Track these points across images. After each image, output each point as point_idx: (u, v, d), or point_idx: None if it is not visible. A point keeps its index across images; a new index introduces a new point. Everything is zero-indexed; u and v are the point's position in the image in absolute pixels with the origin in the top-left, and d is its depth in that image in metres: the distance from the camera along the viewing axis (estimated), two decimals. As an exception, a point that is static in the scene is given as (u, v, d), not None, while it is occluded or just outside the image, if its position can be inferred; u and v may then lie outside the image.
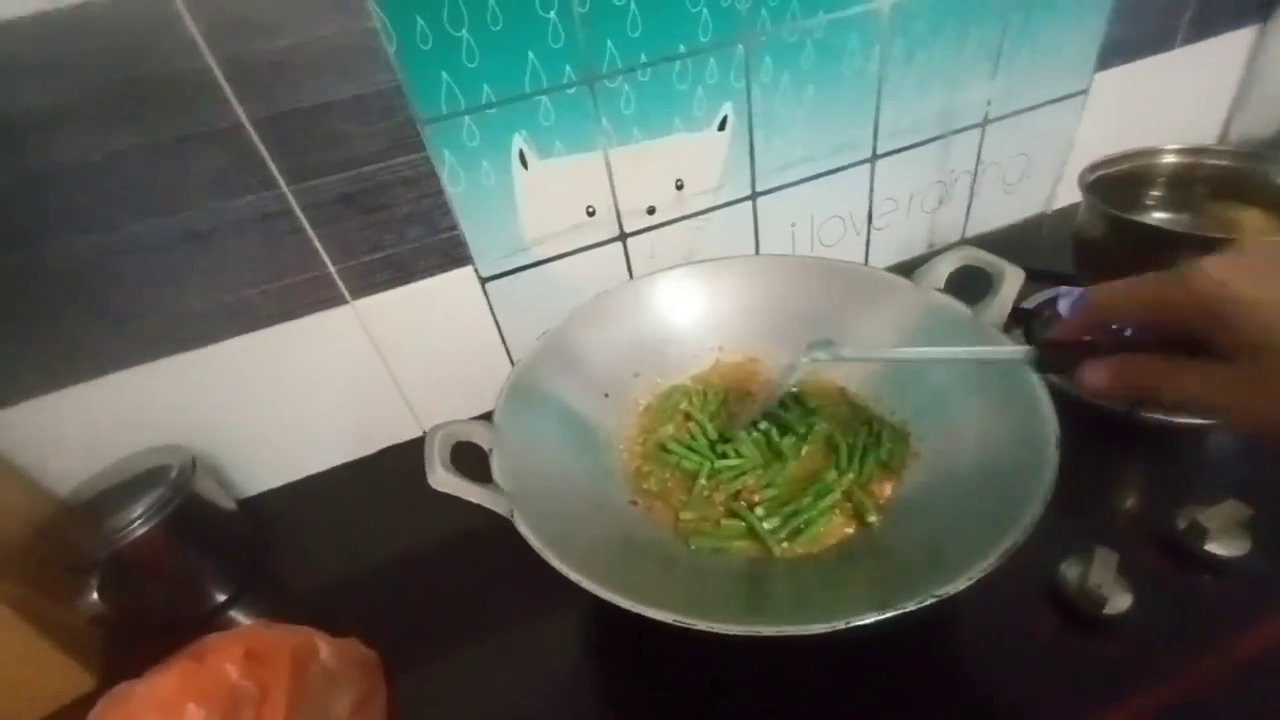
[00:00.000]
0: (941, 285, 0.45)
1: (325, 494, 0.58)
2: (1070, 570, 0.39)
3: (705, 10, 0.49)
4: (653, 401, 0.49)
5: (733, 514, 0.39)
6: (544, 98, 0.49)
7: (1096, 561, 0.38)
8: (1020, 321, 0.57)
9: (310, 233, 0.48)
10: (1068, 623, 0.38)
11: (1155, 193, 0.53)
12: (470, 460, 0.37)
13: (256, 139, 0.43)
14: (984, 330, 0.41)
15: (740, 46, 0.52)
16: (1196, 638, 0.36)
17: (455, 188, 0.50)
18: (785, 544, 0.37)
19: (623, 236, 0.58)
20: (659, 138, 0.54)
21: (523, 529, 0.32)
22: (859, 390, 0.47)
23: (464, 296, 0.55)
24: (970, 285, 0.44)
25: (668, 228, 0.59)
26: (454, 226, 0.52)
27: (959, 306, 0.43)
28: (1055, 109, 0.68)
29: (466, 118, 0.47)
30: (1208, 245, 0.43)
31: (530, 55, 0.47)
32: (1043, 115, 0.68)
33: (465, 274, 0.54)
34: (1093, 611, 0.37)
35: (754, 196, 0.61)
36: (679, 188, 0.58)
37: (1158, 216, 0.53)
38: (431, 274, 0.53)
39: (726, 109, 0.55)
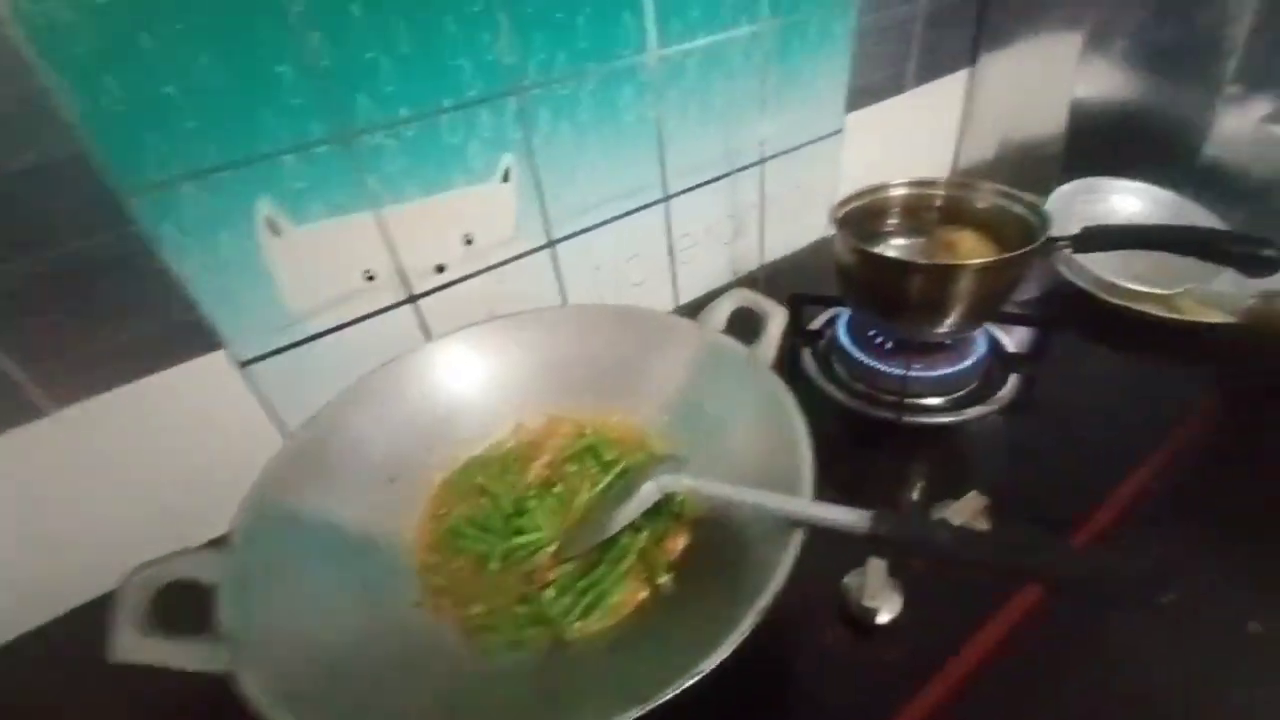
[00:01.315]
0: (724, 325, 0.47)
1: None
2: (852, 582, 0.42)
3: (467, 64, 0.47)
4: (450, 477, 0.45)
5: (524, 599, 0.37)
6: (288, 157, 0.43)
7: (869, 571, 0.41)
8: (809, 341, 0.62)
9: (-21, 334, 0.38)
10: (855, 634, 0.40)
11: (893, 221, 0.61)
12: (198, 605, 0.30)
13: None
14: (759, 367, 0.43)
15: (512, 99, 0.51)
16: (960, 628, 0.41)
17: (184, 265, 0.42)
18: (579, 623, 0.36)
19: (413, 299, 0.54)
20: (438, 193, 0.51)
21: (247, 688, 0.26)
22: (658, 435, 0.47)
23: (218, 386, 0.47)
24: (751, 322, 0.47)
25: (462, 285, 0.56)
26: (192, 308, 0.44)
27: (736, 346, 0.45)
28: (819, 147, 0.75)
29: (187, 184, 0.40)
30: (932, 270, 0.50)
31: (266, 113, 0.41)
32: (810, 153, 0.75)
33: (215, 360, 0.47)
34: (869, 620, 0.40)
35: (551, 244, 0.60)
36: (468, 242, 0.55)
37: (895, 243, 0.61)
38: (168, 365, 0.45)
39: (508, 160, 0.53)
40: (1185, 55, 0.68)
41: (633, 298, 0.69)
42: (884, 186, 0.59)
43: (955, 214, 0.59)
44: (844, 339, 0.59)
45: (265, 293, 0.46)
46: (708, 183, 0.68)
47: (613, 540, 0.39)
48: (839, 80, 0.72)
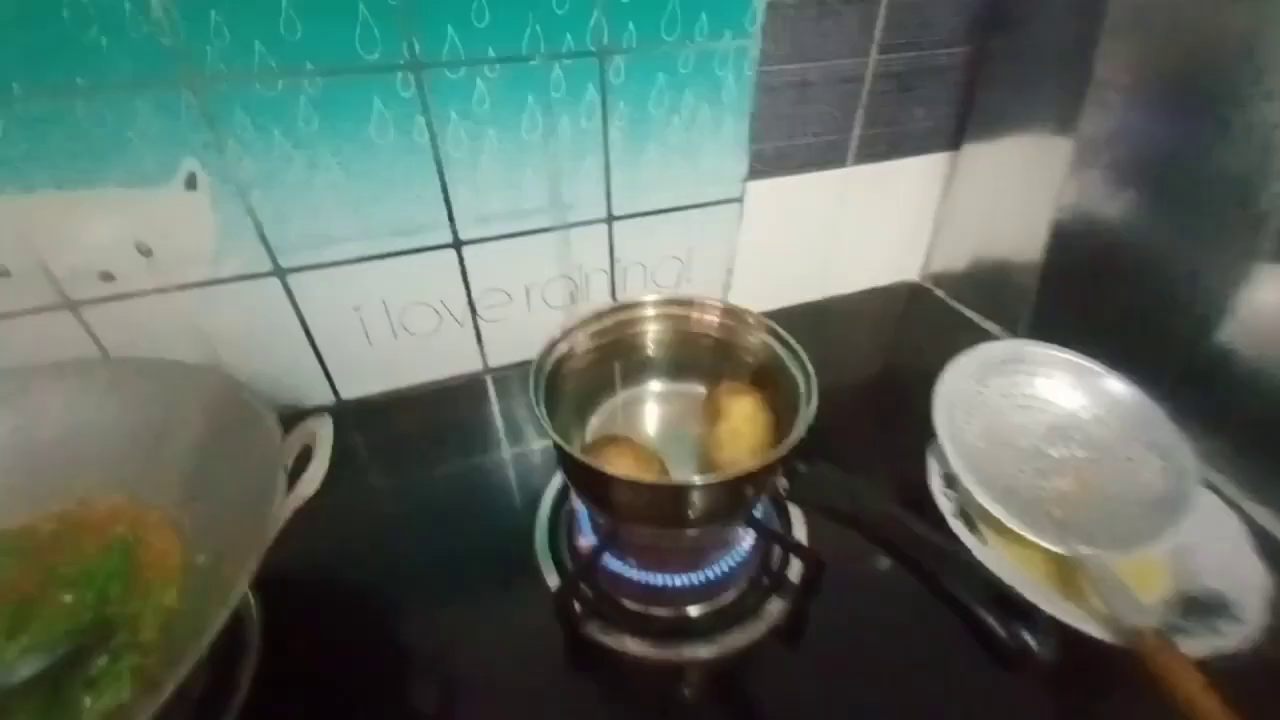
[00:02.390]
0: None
1: None
2: None
3: (104, 38, 0.37)
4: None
5: None
6: None
7: None
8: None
9: None
10: None
11: (652, 352, 0.45)
12: None
13: None
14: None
15: (186, 92, 0.40)
16: None
17: None
18: None
19: (70, 304, 0.45)
20: (80, 189, 0.41)
21: None
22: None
23: None
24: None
25: (144, 299, 0.47)
26: None
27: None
28: (703, 214, 0.60)
29: None
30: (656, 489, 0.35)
31: None
32: (689, 219, 0.60)
33: None
34: None
35: (279, 273, 0.49)
36: (144, 253, 0.45)
37: (655, 387, 0.46)
38: None
39: (190, 165, 0.43)
40: (1210, 196, 0.47)
41: (415, 349, 0.58)
42: (640, 304, 0.44)
43: (730, 350, 0.43)
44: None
45: None
46: (521, 234, 0.55)
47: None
48: (732, 141, 0.57)
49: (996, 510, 0.43)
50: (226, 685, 0.35)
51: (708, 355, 0.44)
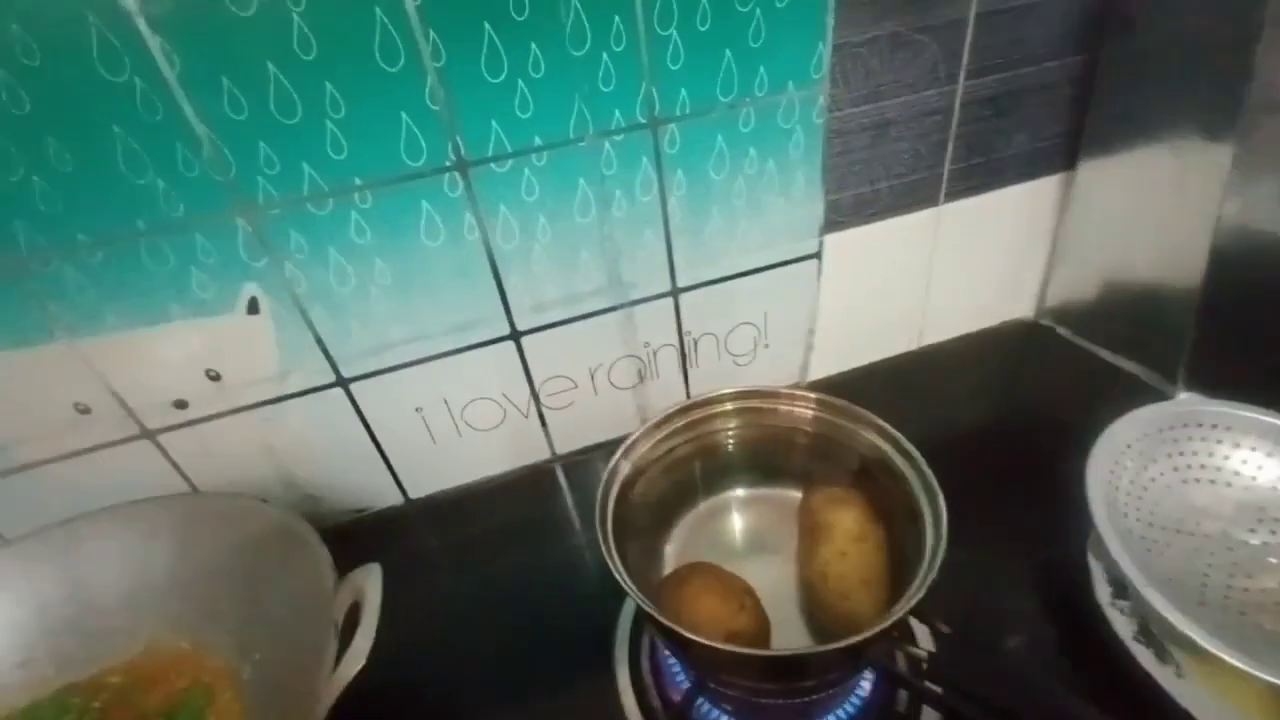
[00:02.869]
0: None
1: None
2: None
3: (160, 181, 0.38)
4: (20, 710, 0.35)
5: None
6: (-62, 287, 0.37)
7: None
8: None
9: None
10: None
11: (733, 451, 0.39)
12: None
13: None
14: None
15: (241, 221, 0.40)
16: None
17: None
18: None
19: (148, 434, 0.46)
20: (150, 326, 0.42)
21: None
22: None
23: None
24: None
25: (216, 422, 0.47)
26: None
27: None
28: (774, 276, 0.55)
29: None
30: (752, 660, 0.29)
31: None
32: (757, 284, 0.54)
33: (-91, 483, 0.43)
34: None
35: (342, 383, 0.48)
36: (214, 378, 0.45)
37: (739, 493, 0.40)
38: None
39: (251, 290, 0.43)
40: None
41: (480, 444, 0.55)
42: (712, 400, 0.38)
43: (826, 447, 0.36)
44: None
45: (-49, 421, 0.41)
46: (581, 318, 0.52)
47: None
48: (804, 195, 0.51)
49: (1190, 629, 0.33)
50: None
51: (799, 454, 0.38)
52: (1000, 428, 0.59)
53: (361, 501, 0.55)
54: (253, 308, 0.43)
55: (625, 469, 0.35)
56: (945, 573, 0.45)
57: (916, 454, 0.32)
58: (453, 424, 0.53)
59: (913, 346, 0.66)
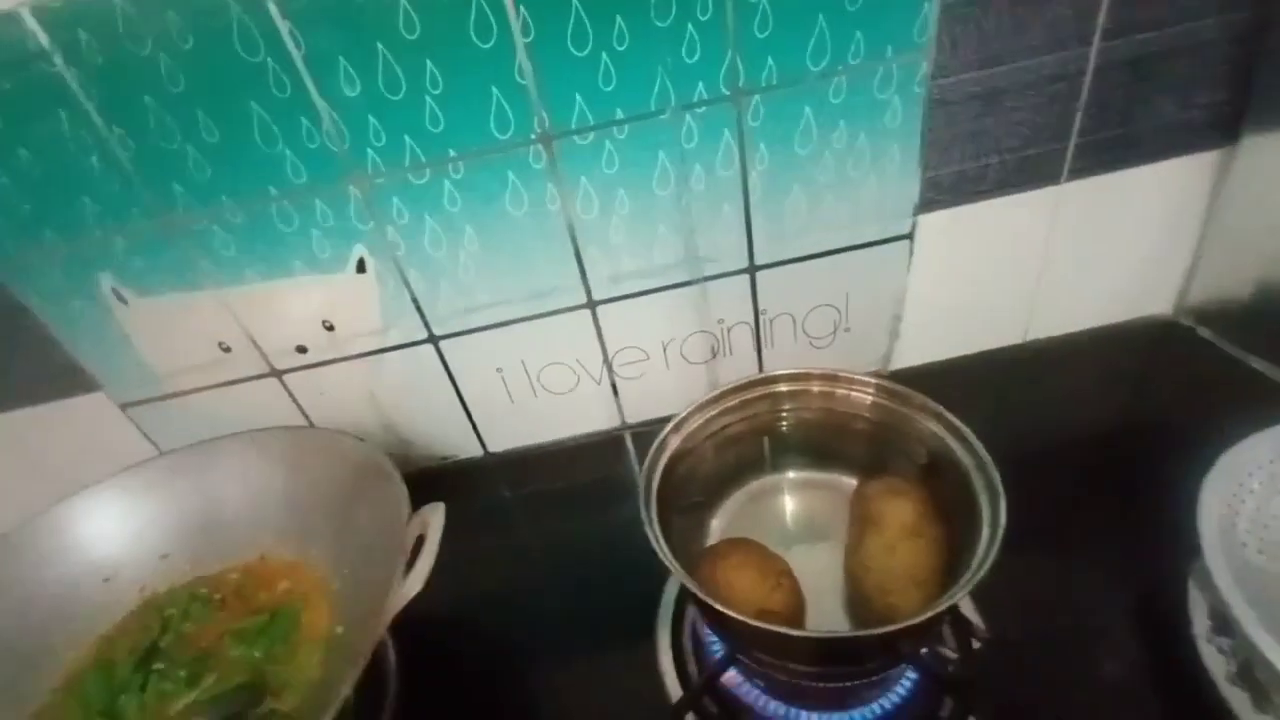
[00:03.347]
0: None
1: None
2: None
3: (288, 152, 0.42)
4: (161, 593, 0.43)
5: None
6: (118, 239, 0.45)
7: None
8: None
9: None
10: None
11: (787, 430, 0.38)
12: None
13: None
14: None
15: (353, 189, 0.44)
16: None
17: (53, 323, 0.48)
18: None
19: (276, 373, 0.53)
20: (279, 279, 0.48)
21: None
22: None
23: (103, 420, 0.53)
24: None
25: (329, 367, 0.53)
26: (67, 356, 0.49)
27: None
28: (860, 257, 0.52)
29: (33, 258, 0.44)
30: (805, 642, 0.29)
31: (85, 199, 0.43)
32: (839, 263, 0.52)
33: (98, 399, 0.52)
34: None
35: (433, 340, 0.53)
36: (329, 328, 0.51)
37: (792, 475, 0.39)
38: (57, 398, 0.51)
39: (359, 251, 0.47)
40: None
41: (554, 406, 0.58)
42: (773, 379, 0.37)
43: (891, 437, 0.34)
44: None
45: (127, 351, 0.50)
46: (656, 290, 0.52)
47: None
48: (898, 171, 0.48)
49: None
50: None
51: (860, 442, 0.36)
52: (1116, 436, 0.53)
53: (446, 450, 0.61)
54: (361, 267, 0.48)
55: (674, 443, 0.36)
56: (1017, 581, 0.42)
57: (980, 448, 0.30)
58: (529, 385, 0.57)
59: (1018, 340, 0.61)
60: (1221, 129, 0.49)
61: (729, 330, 0.56)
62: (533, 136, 0.44)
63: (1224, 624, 0.34)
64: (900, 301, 0.56)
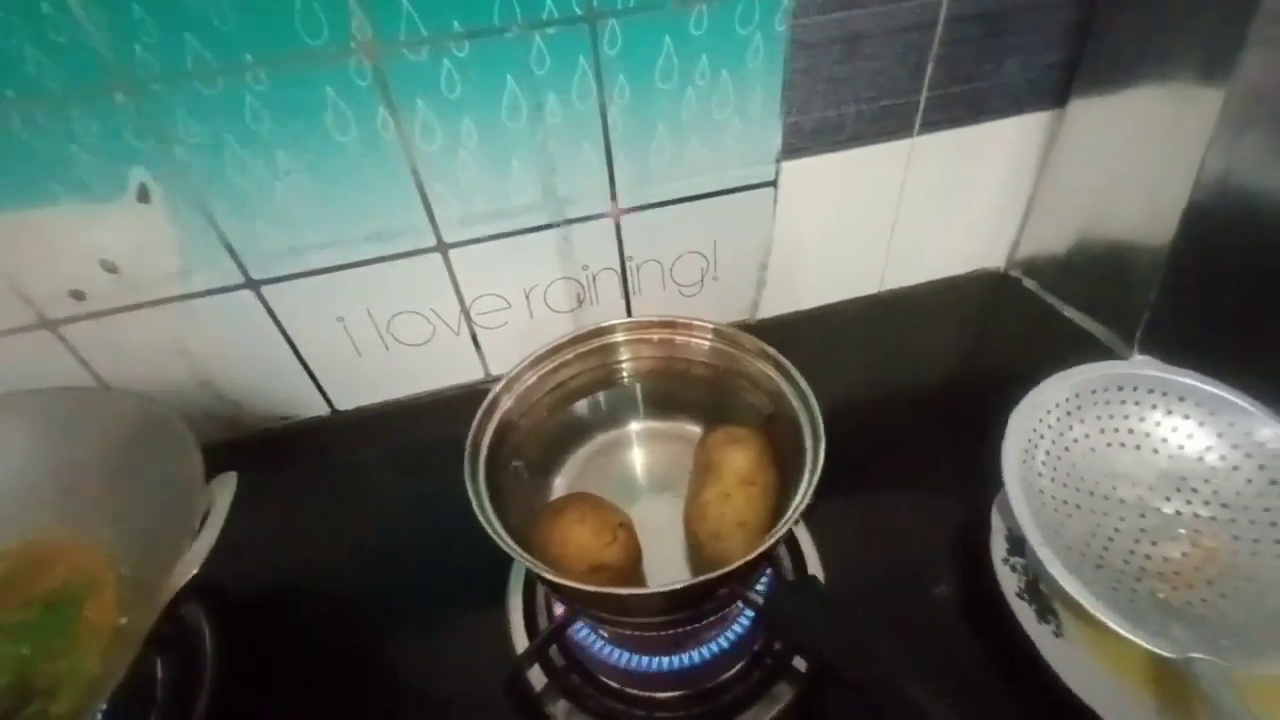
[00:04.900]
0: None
1: None
2: None
3: (27, 46, 0.34)
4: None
5: None
6: None
7: None
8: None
9: None
10: None
11: (626, 376, 0.38)
12: None
13: None
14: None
15: (118, 95, 0.36)
16: None
17: None
18: None
19: (47, 324, 0.44)
20: (32, 208, 0.39)
21: None
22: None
23: None
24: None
25: (119, 316, 0.45)
26: None
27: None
28: (724, 203, 0.51)
29: None
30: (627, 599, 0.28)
31: None
32: (706, 209, 0.51)
33: None
34: None
35: (252, 285, 0.46)
36: (110, 270, 0.43)
37: (636, 426, 0.38)
38: None
39: (138, 174, 0.39)
40: None
41: (409, 359, 0.53)
42: (609, 329, 0.36)
43: (732, 384, 0.35)
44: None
45: None
46: (514, 234, 0.49)
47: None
48: (761, 114, 0.47)
49: (1073, 588, 0.33)
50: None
51: (702, 389, 0.36)
52: (949, 381, 0.57)
53: (286, 410, 0.54)
54: (143, 196, 0.40)
55: (507, 402, 0.34)
56: (855, 518, 0.44)
57: (807, 389, 0.31)
58: (378, 336, 0.52)
59: (873, 290, 0.64)
60: (1055, 92, 0.52)
61: (595, 277, 0.53)
62: (352, 45, 0.38)
63: (1018, 546, 0.38)
64: (766, 250, 0.56)
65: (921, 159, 0.54)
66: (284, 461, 0.53)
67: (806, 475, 0.27)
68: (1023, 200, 0.60)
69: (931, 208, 0.58)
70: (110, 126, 0.37)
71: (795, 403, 0.31)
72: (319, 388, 0.54)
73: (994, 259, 0.64)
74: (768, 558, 0.27)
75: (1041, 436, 0.41)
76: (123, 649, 0.29)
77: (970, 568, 0.39)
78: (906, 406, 0.54)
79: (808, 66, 0.46)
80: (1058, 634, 0.34)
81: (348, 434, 0.55)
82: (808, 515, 0.41)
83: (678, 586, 0.25)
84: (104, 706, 0.26)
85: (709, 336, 0.35)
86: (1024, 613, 0.35)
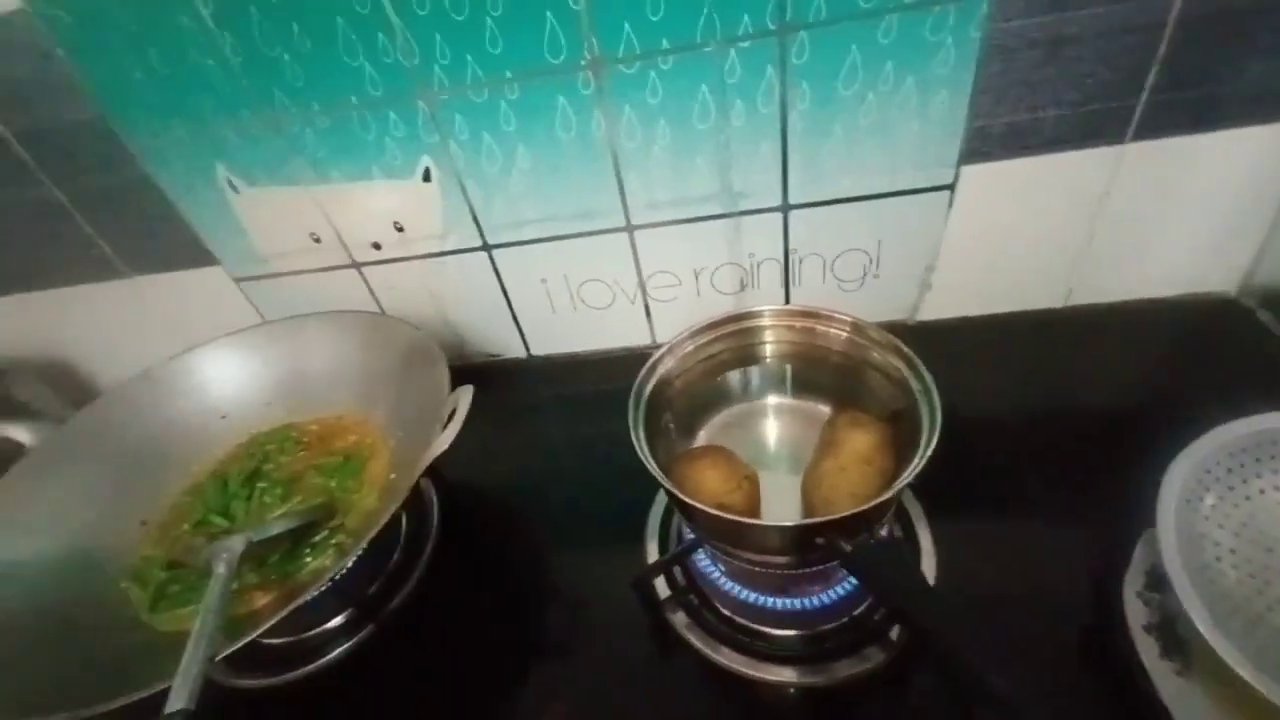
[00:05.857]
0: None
1: None
2: None
3: (367, 65, 0.47)
4: (264, 432, 0.54)
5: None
6: (230, 133, 0.52)
7: None
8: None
9: None
10: None
11: (771, 361, 0.42)
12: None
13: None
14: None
15: (421, 103, 0.49)
16: None
17: (180, 202, 0.57)
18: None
19: (356, 265, 0.61)
20: (359, 181, 0.54)
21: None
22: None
23: (222, 290, 0.63)
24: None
25: (398, 264, 0.60)
26: (192, 232, 0.59)
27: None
28: (895, 205, 0.52)
29: (162, 144, 0.53)
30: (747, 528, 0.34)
31: (204, 97, 0.50)
32: (875, 210, 0.53)
33: (216, 272, 0.62)
34: None
35: (487, 248, 0.59)
36: (399, 229, 0.58)
37: (773, 400, 0.42)
38: (184, 268, 0.62)
39: (425, 162, 0.53)
40: None
41: (591, 320, 0.64)
42: (757, 314, 0.40)
43: (863, 373, 0.37)
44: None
45: (240, 233, 0.59)
46: (691, 221, 0.55)
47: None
48: (944, 118, 0.47)
49: (1214, 639, 0.31)
50: (413, 562, 0.49)
51: (834, 375, 0.40)
52: (1127, 407, 0.53)
53: (494, 348, 0.68)
54: (426, 176, 0.54)
55: (668, 364, 0.41)
56: (969, 529, 0.45)
57: (932, 385, 0.33)
58: (570, 298, 0.62)
59: (1057, 304, 0.60)
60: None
61: (759, 265, 0.58)
62: (583, 62, 0.47)
63: (1157, 581, 0.36)
64: (934, 253, 0.56)
65: (1133, 167, 0.50)
66: (489, 389, 0.67)
67: (921, 447, 0.30)
68: (1264, 220, 0.52)
69: (1141, 221, 0.53)
70: (413, 126, 0.51)
71: (920, 397, 0.33)
72: (521, 335, 0.66)
73: (1219, 283, 0.56)
74: (866, 519, 0.31)
75: (1217, 479, 0.38)
76: (391, 497, 0.42)
77: (1099, 593, 0.38)
78: (1073, 427, 0.51)
79: (1003, 70, 0.45)
80: (1180, 673, 0.33)
81: (538, 374, 0.68)
82: (931, 520, 0.43)
83: (786, 524, 0.30)
84: (375, 532, 0.38)
85: (847, 329, 0.39)
86: (1147, 646, 0.34)
